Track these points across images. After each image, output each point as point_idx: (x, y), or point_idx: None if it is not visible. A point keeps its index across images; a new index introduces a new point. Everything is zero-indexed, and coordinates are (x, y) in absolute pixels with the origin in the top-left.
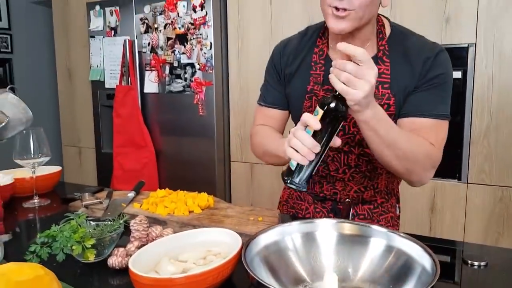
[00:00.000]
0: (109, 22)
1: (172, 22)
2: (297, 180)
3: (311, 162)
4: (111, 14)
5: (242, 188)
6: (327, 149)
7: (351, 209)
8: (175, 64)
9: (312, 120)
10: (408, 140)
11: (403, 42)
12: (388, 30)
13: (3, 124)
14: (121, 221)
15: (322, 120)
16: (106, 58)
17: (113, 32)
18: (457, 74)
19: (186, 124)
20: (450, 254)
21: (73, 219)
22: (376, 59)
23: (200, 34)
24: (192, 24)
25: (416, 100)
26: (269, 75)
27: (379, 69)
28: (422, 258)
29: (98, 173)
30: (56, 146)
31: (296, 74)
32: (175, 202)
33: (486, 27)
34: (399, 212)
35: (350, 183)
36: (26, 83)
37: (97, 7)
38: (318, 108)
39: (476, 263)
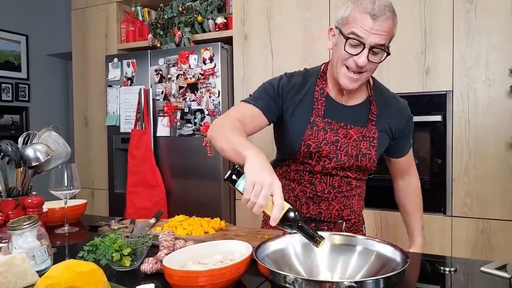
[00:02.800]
0: (126, 73)
1: (184, 73)
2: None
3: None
4: (128, 65)
5: (246, 225)
6: None
7: (343, 227)
8: (186, 110)
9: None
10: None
11: (382, 92)
12: (371, 79)
13: (49, 156)
14: (150, 236)
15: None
16: (122, 105)
17: (129, 82)
18: (437, 118)
19: (195, 165)
20: (429, 264)
21: (108, 234)
22: (369, 101)
23: (209, 83)
24: (202, 74)
25: (403, 144)
26: (271, 88)
27: (371, 109)
28: (395, 255)
29: (110, 211)
30: None
31: (298, 107)
32: (192, 224)
33: (461, 76)
34: (365, 232)
35: (333, 202)
36: (41, 129)
37: (115, 60)
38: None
39: (447, 269)
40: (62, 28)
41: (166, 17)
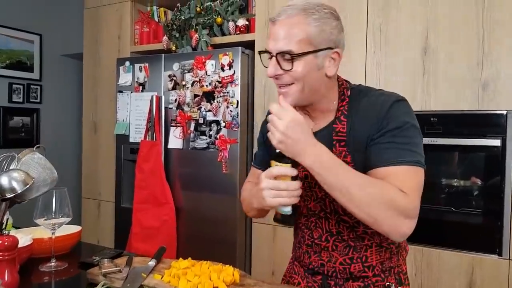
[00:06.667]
0: (137, 78)
1: (200, 80)
2: (294, 218)
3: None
4: (140, 70)
5: (263, 250)
6: None
7: None
8: (201, 121)
9: (289, 170)
10: (366, 186)
11: (360, 100)
12: (348, 92)
13: (28, 186)
14: None
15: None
16: (133, 112)
17: (141, 87)
18: (496, 142)
19: (209, 181)
20: None
21: None
22: (334, 120)
23: (227, 92)
24: (219, 82)
25: (376, 152)
26: (259, 143)
27: (335, 128)
28: None
29: (115, 227)
30: (76, 198)
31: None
32: (198, 275)
33: None
34: None
35: (334, 253)
36: (52, 132)
37: (127, 63)
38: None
39: None
40: (77, 27)
41: (183, 17)
